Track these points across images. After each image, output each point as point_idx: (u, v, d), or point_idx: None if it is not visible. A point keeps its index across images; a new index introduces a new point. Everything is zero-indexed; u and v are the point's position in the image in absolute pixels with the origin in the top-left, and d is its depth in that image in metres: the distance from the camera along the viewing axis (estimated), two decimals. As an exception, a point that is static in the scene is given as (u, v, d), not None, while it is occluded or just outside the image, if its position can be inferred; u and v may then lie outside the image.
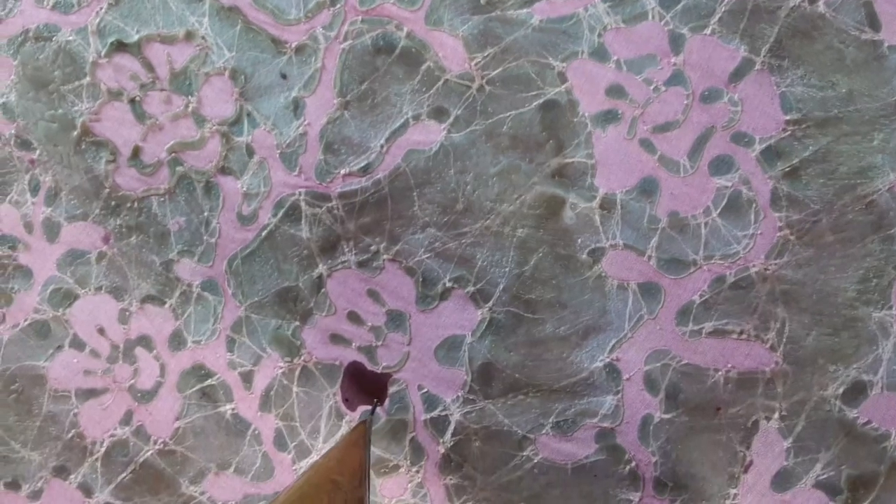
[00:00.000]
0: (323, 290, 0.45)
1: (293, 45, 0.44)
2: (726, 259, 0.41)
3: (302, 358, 0.45)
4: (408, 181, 0.44)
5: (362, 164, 0.44)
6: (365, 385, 0.45)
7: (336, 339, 0.45)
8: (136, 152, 0.46)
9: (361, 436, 0.40)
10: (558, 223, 0.43)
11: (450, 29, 0.43)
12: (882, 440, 0.41)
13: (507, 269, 0.43)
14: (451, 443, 0.44)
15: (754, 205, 0.41)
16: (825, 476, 0.41)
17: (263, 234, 0.45)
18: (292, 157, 0.44)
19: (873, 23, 0.40)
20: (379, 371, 0.45)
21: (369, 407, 0.45)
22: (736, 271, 0.41)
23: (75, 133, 0.46)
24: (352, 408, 0.45)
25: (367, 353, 0.45)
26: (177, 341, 0.46)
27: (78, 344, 0.47)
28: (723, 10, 0.41)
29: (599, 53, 0.42)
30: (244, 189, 0.45)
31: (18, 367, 0.47)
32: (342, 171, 0.44)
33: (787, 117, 0.41)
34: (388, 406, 0.45)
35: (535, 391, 0.43)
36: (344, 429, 0.45)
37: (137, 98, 0.45)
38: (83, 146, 0.46)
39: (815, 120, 0.40)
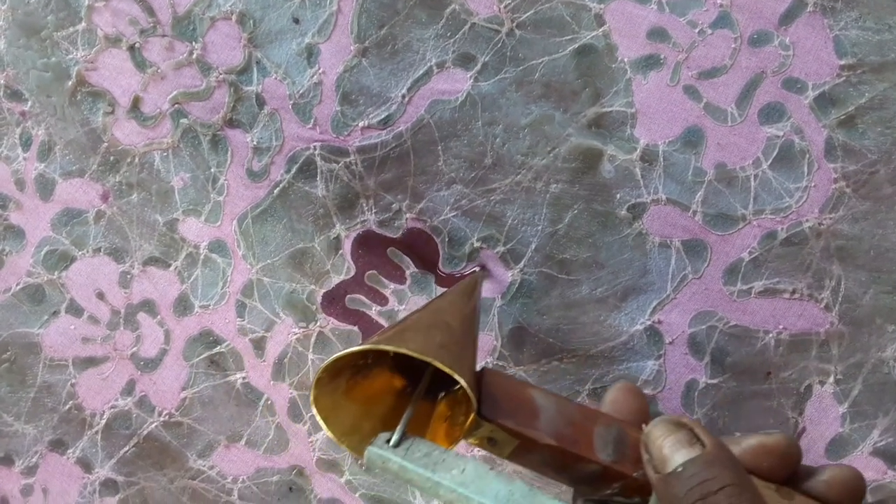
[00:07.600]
0: (340, 251, 0.42)
1: (307, -13, 0.41)
2: (777, 213, 0.39)
3: (318, 323, 0.43)
4: (432, 134, 0.41)
5: (382, 116, 0.41)
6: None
7: (355, 302, 0.42)
8: (137, 103, 0.43)
9: (473, 287, 0.37)
10: (595, 177, 0.40)
11: (478, -33, 0.40)
12: (940, 406, 0.39)
13: (539, 228, 0.41)
14: (479, 413, 0.42)
15: (807, 155, 0.39)
16: (883, 443, 0.40)
17: (276, 191, 0.42)
18: (306, 108, 0.42)
19: (934, -40, 0.38)
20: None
21: None
22: (788, 226, 0.39)
23: (70, 83, 0.43)
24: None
25: (388, 317, 0.42)
26: (182, 306, 0.44)
27: (75, 309, 0.44)
28: (773, -54, 0.39)
29: (640, -6, 0.39)
30: (254, 143, 0.42)
31: (11, 335, 0.45)
32: (360, 124, 0.41)
33: (842, 62, 0.38)
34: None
35: (571, 357, 0.41)
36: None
37: (137, 45, 0.42)
38: (79, 97, 0.43)
39: (872, 65, 0.38)
